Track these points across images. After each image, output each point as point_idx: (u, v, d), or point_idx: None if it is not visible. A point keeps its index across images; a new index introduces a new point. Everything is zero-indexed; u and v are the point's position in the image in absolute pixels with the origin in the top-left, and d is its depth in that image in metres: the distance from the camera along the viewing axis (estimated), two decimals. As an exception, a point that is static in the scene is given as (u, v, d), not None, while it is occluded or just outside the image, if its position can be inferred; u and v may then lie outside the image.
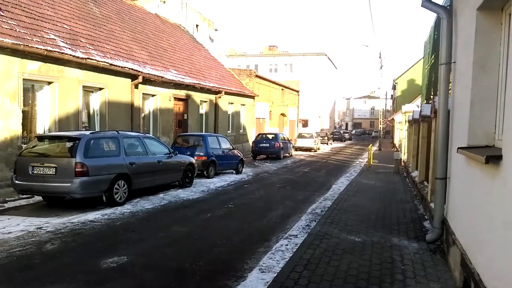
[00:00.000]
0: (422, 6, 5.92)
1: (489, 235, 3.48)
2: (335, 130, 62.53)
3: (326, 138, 41.27)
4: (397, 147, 30.52)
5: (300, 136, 31.94)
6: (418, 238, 6.54)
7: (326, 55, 60.94)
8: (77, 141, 8.04)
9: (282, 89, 36.75)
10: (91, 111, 13.01)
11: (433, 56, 9.02)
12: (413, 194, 11.14)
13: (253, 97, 27.83)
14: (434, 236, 6.08)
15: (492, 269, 3.37)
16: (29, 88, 10.68)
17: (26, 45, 9.78)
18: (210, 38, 31.91)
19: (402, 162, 18.62)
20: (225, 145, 15.34)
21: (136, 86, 14.56)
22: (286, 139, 24.96)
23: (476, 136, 4.24)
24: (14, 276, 4.69)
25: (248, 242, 6.43)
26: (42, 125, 11.07)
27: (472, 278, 3.85)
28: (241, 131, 26.38)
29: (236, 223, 7.61)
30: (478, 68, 4.20)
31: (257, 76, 29.90)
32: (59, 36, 11.71)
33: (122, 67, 13.56)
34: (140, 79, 14.36)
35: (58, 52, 10.82)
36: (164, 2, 26.00)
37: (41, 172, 7.93)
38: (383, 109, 44.33)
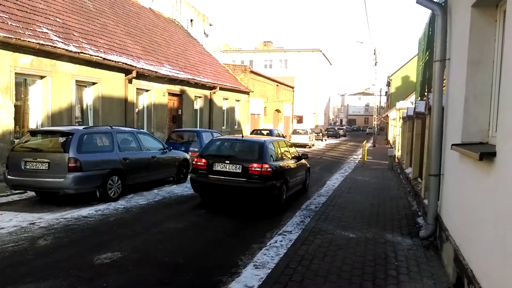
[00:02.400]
0: (417, 3, 5.91)
1: (482, 231, 3.50)
2: (329, 127, 62.55)
3: (320, 134, 41.33)
4: (391, 144, 30.67)
5: (295, 132, 32.01)
6: (411, 234, 6.58)
7: (321, 51, 60.93)
8: (70, 136, 7.98)
9: (277, 85, 36.72)
10: (85, 106, 12.91)
11: (427, 53, 9.03)
12: (407, 191, 11.20)
13: (248, 93, 27.77)
14: (428, 232, 6.11)
15: (485, 265, 3.39)
16: (22, 83, 10.58)
17: (18, 39, 9.67)
18: (204, 33, 31.75)
19: (396, 159, 18.71)
20: (220, 140, 15.28)
21: (130, 81, 14.46)
22: (281, 135, 24.96)
23: (470, 133, 4.26)
24: (7, 272, 4.65)
25: (242, 237, 6.44)
26: (34, 120, 10.97)
27: (465, 274, 3.87)
28: (235, 127, 26.33)
29: (232, 218, 7.60)
30: (472, 65, 4.20)
31: (252, 71, 29.85)
32: (51, 29, 11.58)
33: (115, 61, 13.46)
34: (134, 74, 14.26)
35: (50, 46, 10.70)
36: (159, -4, 25.80)
37: (34, 167, 7.87)
38: (377, 106, 44.46)
